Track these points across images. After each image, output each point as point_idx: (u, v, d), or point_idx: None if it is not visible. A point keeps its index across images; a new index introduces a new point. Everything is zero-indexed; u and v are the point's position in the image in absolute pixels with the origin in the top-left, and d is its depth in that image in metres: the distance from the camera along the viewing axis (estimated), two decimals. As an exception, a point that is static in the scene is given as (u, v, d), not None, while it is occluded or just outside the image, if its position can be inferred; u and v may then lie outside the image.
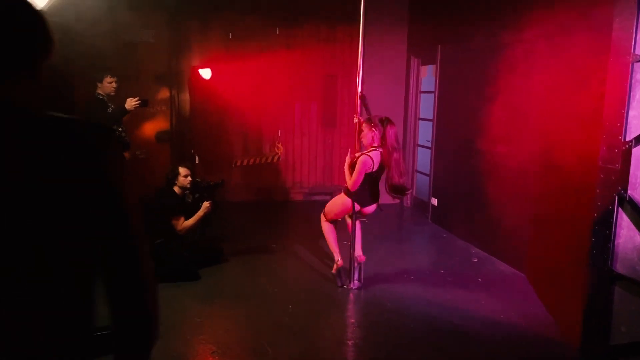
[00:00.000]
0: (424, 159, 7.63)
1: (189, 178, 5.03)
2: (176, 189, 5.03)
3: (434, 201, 7.04)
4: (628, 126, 3.04)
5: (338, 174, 8.43)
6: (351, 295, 4.56)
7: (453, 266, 5.32)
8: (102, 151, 1.09)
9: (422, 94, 7.82)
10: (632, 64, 2.99)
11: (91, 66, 5.49)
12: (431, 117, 7.15)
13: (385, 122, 4.45)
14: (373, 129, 4.44)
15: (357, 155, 4.50)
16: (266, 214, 7.42)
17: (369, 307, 4.37)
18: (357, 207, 4.53)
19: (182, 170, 5.02)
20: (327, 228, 4.82)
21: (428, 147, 7.30)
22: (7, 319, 1.01)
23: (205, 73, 6.85)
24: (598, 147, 3.64)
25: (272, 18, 7.67)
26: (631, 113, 3.02)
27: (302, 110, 8.19)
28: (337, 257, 4.72)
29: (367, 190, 4.52)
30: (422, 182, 7.69)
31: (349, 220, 4.75)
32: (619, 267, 3.13)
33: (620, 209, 3.10)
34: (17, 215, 0.99)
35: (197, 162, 6.95)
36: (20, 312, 1.02)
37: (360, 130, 4.57)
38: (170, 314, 3.99)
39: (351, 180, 4.41)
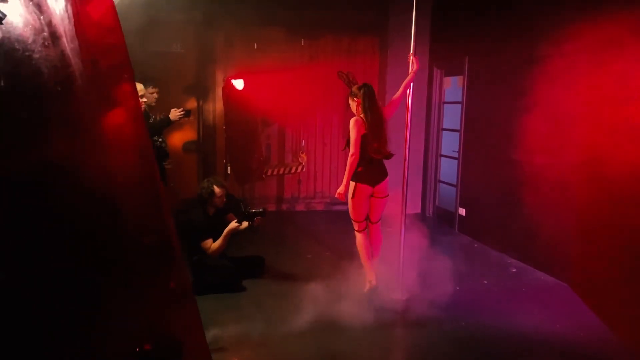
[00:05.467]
0: (448, 169, 7.68)
1: (223, 199, 4.91)
2: (209, 208, 4.90)
3: (462, 211, 7.08)
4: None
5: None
6: (392, 313, 4.39)
7: (493, 276, 5.33)
8: None
9: (445, 105, 7.88)
10: None
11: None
12: (457, 128, 7.21)
13: (362, 88, 4.48)
14: (354, 98, 4.48)
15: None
16: (290, 223, 7.41)
17: (413, 327, 4.33)
18: (368, 189, 4.45)
19: (218, 191, 4.84)
20: (358, 241, 4.62)
21: (454, 158, 7.35)
22: None
23: (239, 83, 6.86)
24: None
25: (296, 29, 7.72)
26: None
27: (324, 120, 8.22)
28: (370, 275, 4.53)
29: (368, 164, 4.42)
30: (446, 192, 7.74)
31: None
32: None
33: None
34: None
35: (229, 172, 6.93)
36: None
37: (347, 106, 4.63)
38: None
39: (351, 146, 4.34)
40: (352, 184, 4.45)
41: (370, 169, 4.44)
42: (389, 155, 4.46)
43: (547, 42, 5.30)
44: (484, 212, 6.59)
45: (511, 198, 5.89)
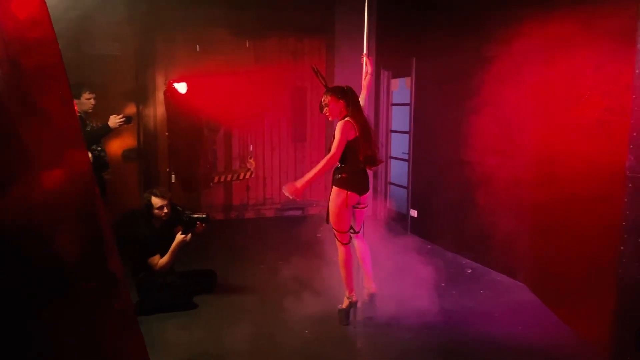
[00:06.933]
0: (398, 171, 7.63)
1: (165, 210, 4.49)
2: (155, 221, 4.53)
3: (414, 213, 7.04)
4: (658, 136, 3.09)
5: (310, 188, 8.27)
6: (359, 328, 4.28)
7: (449, 278, 5.28)
8: None
9: (393, 107, 7.84)
10: (661, 76, 3.05)
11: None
12: (407, 130, 7.17)
13: (348, 90, 4.09)
14: (340, 99, 4.04)
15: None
16: (240, 232, 7.13)
17: (368, 335, 4.22)
18: (356, 198, 4.06)
19: (156, 201, 4.47)
20: (341, 255, 4.17)
21: (403, 159, 7.31)
22: None
23: (181, 87, 6.52)
24: (610, 156, 3.73)
25: (240, 30, 7.45)
26: (661, 123, 3.08)
27: (272, 124, 8.01)
28: (352, 292, 4.20)
29: (357, 172, 4.07)
30: (397, 194, 7.68)
31: (356, 244, 4.32)
32: (652, 275, 3.17)
33: (652, 217, 3.14)
34: None
35: (173, 181, 6.57)
36: None
37: (324, 105, 4.08)
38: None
39: (334, 147, 3.89)
40: (342, 192, 4.01)
41: (359, 177, 4.07)
42: (379, 163, 4.19)
43: (496, 41, 5.31)
44: (437, 213, 6.56)
45: (464, 199, 5.88)
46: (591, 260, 3.89)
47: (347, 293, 4.23)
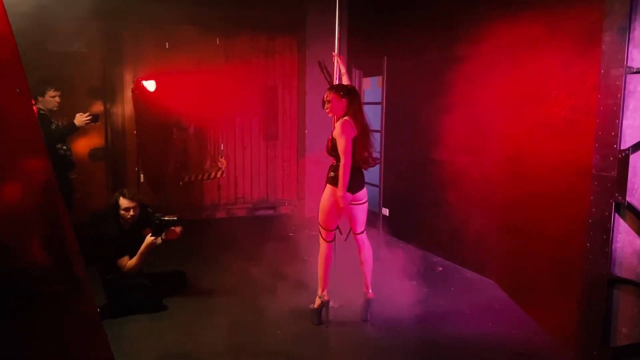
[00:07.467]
0: (369, 170, 7.61)
1: (132, 212, 4.37)
2: (124, 221, 4.44)
3: (385, 211, 7.07)
4: (622, 135, 3.16)
5: (282, 187, 8.25)
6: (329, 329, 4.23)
7: (420, 276, 5.31)
8: None
9: (365, 105, 7.83)
10: (625, 76, 3.12)
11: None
12: (378, 129, 7.19)
13: (352, 90, 4.11)
14: (342, 97, 4.00)
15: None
16: (211, 232, 7.04)
17: (340, 334, 4.21)
18: (348, 196, 4.00)
19: (123, 202, 4.36)
20: (323, 252, 4.13)
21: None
22: None
23: (150, 85, 6.39)
24: (577, 155, 3.81)
25: (210, 27, 7.35)
26: (625, 122, 3.15)
27: (243, 122, 7.93)
28: (324, 291, 4.15)
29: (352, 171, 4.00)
30: (368, 193, 7.67)
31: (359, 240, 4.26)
32: (617, 271, 3.24)
33: (617, 215, 3.21)
34: None
35: (142, 180, 6.44)
36: None
37: (326, 102, 4.05)
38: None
39: (342, 150, 3.87)
40: (335, 190, 3.96)
41: (353, 175, 3.99)
42: (374, 164, 4.21)
43: (466, 41, 5.36)
44: (408, 211, 6.60)
45: (434, 197, 5.92)
46: (558, 257, 3.96)
47: (319, 292, 4.20)
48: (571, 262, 3.69)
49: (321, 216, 4.11)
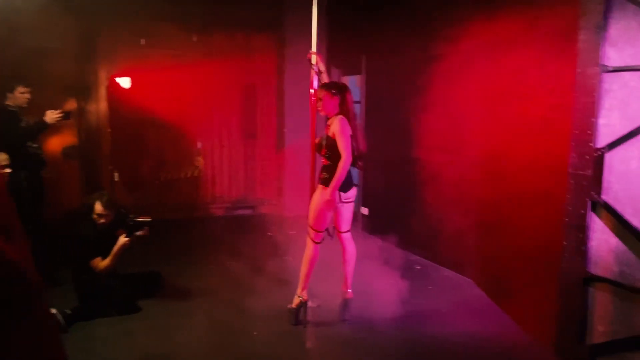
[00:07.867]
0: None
1: (103, 220, 4.28)
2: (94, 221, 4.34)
3: (365, 210, 7.05)
4: (598, 134, 3.18)
5: (260, 186, 8.17)
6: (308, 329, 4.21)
7: (399, 275, 5.29)
8: None
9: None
10: (601, 75, 3.14)
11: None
12: (357, 127, 7.17)
13: (344, 88, 4.05)
14: (335, 95, 3.95)
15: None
16: (188, 232, 6.94)
17: (321, 335, 4.18)
18: (340, 195, 3.97)
19: (98, 208, 4.26)
20: (309, 252, 4.08)
21: (354, 157, 7.30)
22: None
23: (125, 82, 6.27)
24: (554, 153, 3.82)
25: (187, 24, 7.25)
26: (601, 121, 3.17)
27: (221, 120, 7.83)
28: (304, 291, 4.12)
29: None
30: (348, 192, 7.67)
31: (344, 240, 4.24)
32: (593, 269, 3.26)
33: (592, 213, 3.23)
34: None
35: (116, 179, 6.31)
36: None
37: (318, 99, 4.02)
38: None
39: (343, 149, 3.81)
40: (322, 189, 3.94)
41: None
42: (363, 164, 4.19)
43: (444, 40, 5.36)
44: (387, 211, 6.60)
45: (413, 196, 5.92)
46: (535, 255, 3.97)
47: (298, 291, 4.15)
48: (548, 260, 3.70)
49: (311, 217, 4.05)
